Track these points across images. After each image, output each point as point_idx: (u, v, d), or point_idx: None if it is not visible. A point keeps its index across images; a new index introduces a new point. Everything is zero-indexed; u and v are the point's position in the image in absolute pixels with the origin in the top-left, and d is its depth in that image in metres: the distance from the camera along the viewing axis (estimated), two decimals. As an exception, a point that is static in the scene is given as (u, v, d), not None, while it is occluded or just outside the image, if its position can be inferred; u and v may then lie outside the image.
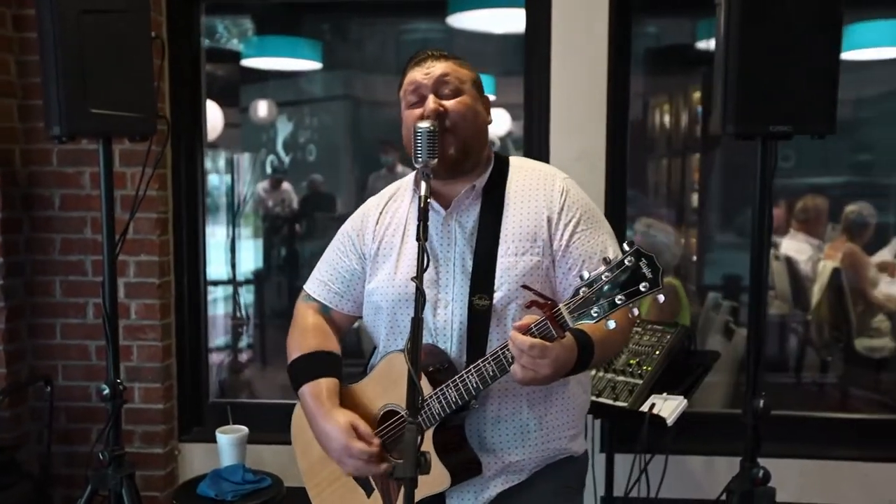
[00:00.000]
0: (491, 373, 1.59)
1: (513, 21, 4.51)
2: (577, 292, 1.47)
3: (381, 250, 1.85)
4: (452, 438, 1.73)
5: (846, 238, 5.12)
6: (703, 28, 4.46)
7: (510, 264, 1.72)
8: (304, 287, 1.97)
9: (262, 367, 4.64)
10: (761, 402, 2.05)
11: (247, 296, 5.08)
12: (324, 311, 1.92)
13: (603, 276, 1.44)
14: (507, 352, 1.56)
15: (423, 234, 1.58)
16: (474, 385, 1.61)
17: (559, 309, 1.48)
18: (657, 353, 2.24)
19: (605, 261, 1.45)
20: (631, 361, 2.29)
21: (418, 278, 1.54)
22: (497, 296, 1.71)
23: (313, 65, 4.89)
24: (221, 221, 5.13)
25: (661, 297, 1.42)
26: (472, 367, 1.62)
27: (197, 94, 2.73)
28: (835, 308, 4.80)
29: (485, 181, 1.79)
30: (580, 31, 2.53)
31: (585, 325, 1.49)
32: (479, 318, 1.72)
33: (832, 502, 2.55)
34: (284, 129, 6.38)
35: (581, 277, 1.47)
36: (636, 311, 1.44)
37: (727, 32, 1.94)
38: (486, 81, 6.57)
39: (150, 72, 2.19)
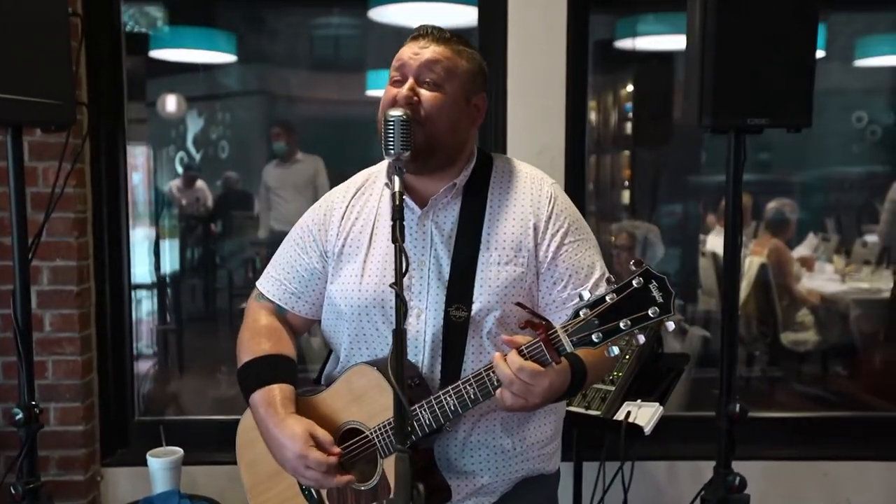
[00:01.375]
0: (472, 396, 1.44)
1: (437, 16, 4.44)
2: (576, 314, 1.33)
3: (346, 249, 1.67)
4: (420, 462, 1.57)
5: (770, 234, 5.22)
6: (622, 27, 4.46)
7: (491, 274, 1.57)
8: (258, 284, 1.77)
9: (180, 376, 4.36)
10: (737, 406, 1.99)
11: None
12: (278, 311, 1.73)
13: (607, 298, 1.30)
14: (491, 374, 1.42)
15: (399, 235, 1.42)
16: (451, 408, 1.46)
17: (556, 331, 1.34)
18: (626, 357, 2.14)
19: (609, 280, 1.32)
20: (600, 367, 2.18)
21: (397, 284, 1.37)
22: (475, 307, 1.56)
23: (228, 57, 4.63)
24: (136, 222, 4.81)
25: (671, 325, 1.29)
26: (450, 388, 1.47)
27: (118, 81, 2.47)
28: (762, 303, 4.88)
29: (466, 179, 1.63)
30: (537, 21, 2.41)
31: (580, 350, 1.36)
32: (455, 331, 1.56)
33: (792, 502, 2.52)
34: (195, 124, 6.10)
35: (580, 297, 1.34)
36: (641, 339, 1.31)
37: (704, 23, 1.88)
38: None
39: (68, 53, 1.94)
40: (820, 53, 4.14)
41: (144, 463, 2.48)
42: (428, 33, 1.61)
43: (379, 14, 4.27)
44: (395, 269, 1.38)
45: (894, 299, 4.62)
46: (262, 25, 4.91)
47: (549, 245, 1.59)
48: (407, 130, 1.48)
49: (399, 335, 1.33)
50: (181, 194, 5.44)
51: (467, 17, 4.60)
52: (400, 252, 1.39)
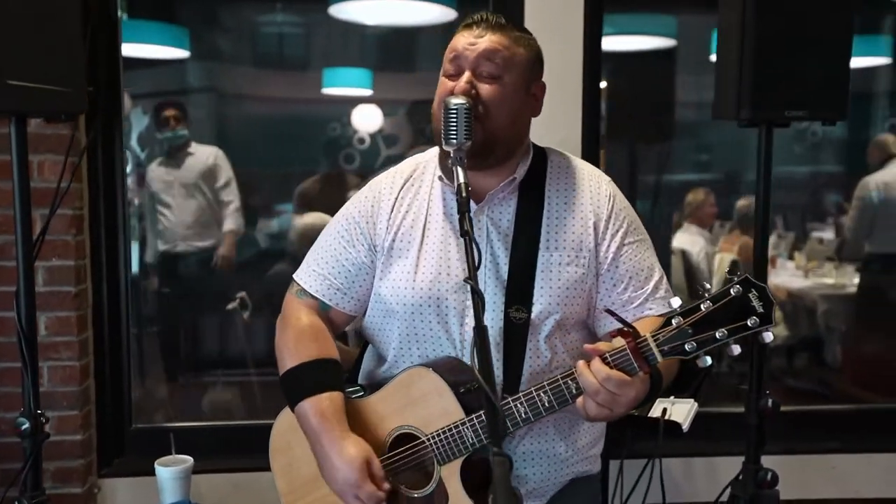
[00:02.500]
0: (546, 404, 1.39)
1: (400, 13, 4.37)
2: (668, 322, 1.29)
3: (396, 243, 1.59)
4: (479, 469, 1.52)
5: (740, 231, 5.30)
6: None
7: (552, 275, 1.53)
8: (296, 279, 1.68)
9: (141, 381, 4.19)
10: (769, 402, 1.98)
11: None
12: (322, 309, 1.65)
13: (702, 306, 1.27)
14: (569, 382, 1.37)
15: (469, 227, 1.36)
16: (522, 415, 1.41)
17: (645, 339, 1.30)
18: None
19: (702, 287, 1.29)
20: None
21: (472, 279, 1.31)
22: (536, 309, 1.51)
23: (180, 53, 4.44)
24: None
25: (770, 336, 1.26)
26: (521, 394, 1.42)
27: (115, 67, 2.33)
28: (734, 299, 4.93)
29: (524, 174, 1.57)
30: (555, 15, 2.37)
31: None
32: (515, 333, 1.51)
33: (805, 496, 2.53)
34: (140, 122, 5.90)
35: (669, 304, 1.31)
36: (736, 350, 1.27)
37: (743, 17, 1.85)
38: (364, 76, 6.41)
39: (79, 36, 1.82)
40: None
41: (144, 473, 2.35)
42: (483, 20, 1.55)
43: (339, 11, 4.20)
44: (468, 264, 1.33)
45: (860, 294, 4.73)
46: (215, 21, 4.77)
47: (609, 245, 1.56)
48: (469, 118, 1.43)
49: (481, 332, 1.27)
50: (133, 194, 5.24)
51: (431, 13, 4.60)
52: (471, 244, 1.34)
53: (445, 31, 5.92)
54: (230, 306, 3.09)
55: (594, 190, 1.59)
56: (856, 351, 4.48)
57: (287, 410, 1.65)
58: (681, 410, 1.96)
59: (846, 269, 5.09)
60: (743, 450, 2.08)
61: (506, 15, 1.59)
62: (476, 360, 1.24)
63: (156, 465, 2.11)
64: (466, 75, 1.50)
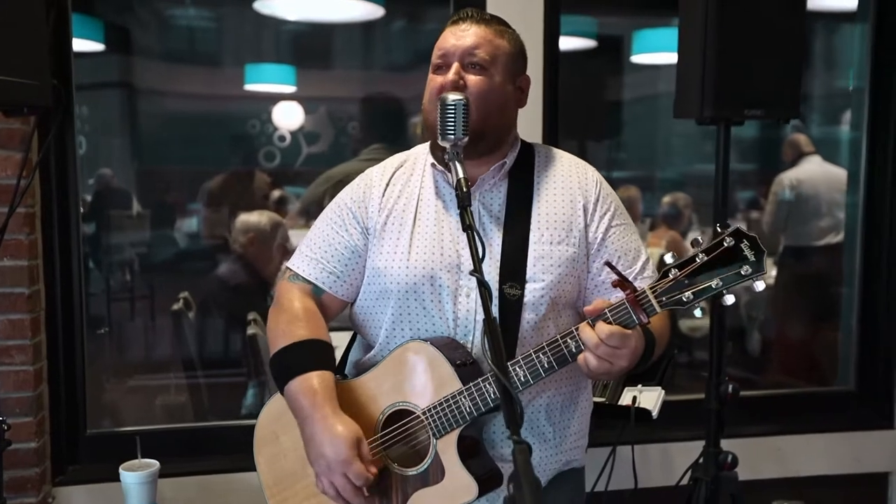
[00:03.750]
0: (546, 365, 1.44)
1: (325, 9, 4.36)
2: (665, 274, 1.36)
3: (388, 224, 1.63)
4: (472, 445, 1.56)
5: (666, 226, 5.50)
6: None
7: (544, 252, 1.58)
8: (289, 265, 1.70)
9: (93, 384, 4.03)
10: (730, 387, 2.07)
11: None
12: (315, 293, 1.66)
13: (697, 258, 1.33)
14: (568, 340, 1.42)
15: (471, 221, 1.38)
16: (521, 379, 1.45)
17: (644, 291, 1.37)
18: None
19: (695, 242, 1.36)
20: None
21: (477, 271, 1.33)
22: (530, 286, 1.56)
23: (94, 46, 4.29)
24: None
25: (762, 285, 1.34)
26: (519, 358, 1.45)
27: (66, 59, 2.24)
28: (662, 292, 5.11)
29: (513, 160, 1.63)
30: (516, 14, 2.40)
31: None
32: (510, 309, 1.55)
33: (754, 477, 2.65)
34: None
35: (663, 260, 1.37)
36: (731, 299, 1.35)
37: (705, 20, 1.94)
38: (286, 72, 6.29)
39: (43, 26, 1.75)
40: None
41: (100, 479, 2.29)
42: (468, 17, 1.61)
43: (264, 6, 4.17)
44: (473, 257, 1.35)
45: (778, 285, 4.97)
46: (131, 13, 4.63)
47: (598, 226, 1.62)
48: (467, 115, 1.46)
49: (491, 323, 1.29)
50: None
51: (357, 10, 4.58)
52: (474, 236, 1.36)
53: (373, 29, 5.92)
54: (174, 307, 3.00)
55: (581, 175, 1.66)
56: (778, 339, 4.71)
57: (272, 401, 1.66)
58: (649, 398, 2.03)
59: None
60: (695, 435, 2.19)
61: (491, 14, 1.64)
62: (488, 349, 1.27)
63: (121, 471, 2.04)
64: (455, 67, 1.56)
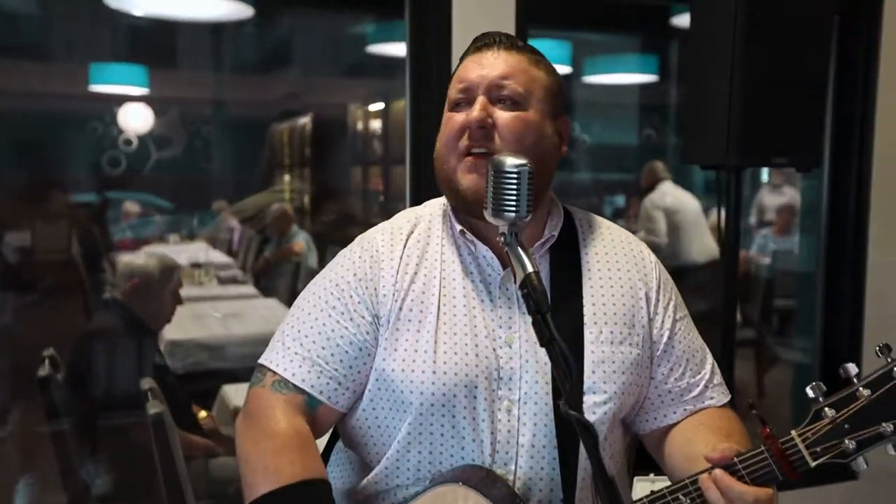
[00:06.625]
0: None
1: (183, 7, 3.98)
2: (818, 416, 1.06)
3: (405, 312, 1.23)
4: None
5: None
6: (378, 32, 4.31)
7: (605, 355, 1.23)
8: (269, 364, 1.25)
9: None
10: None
11: None
12: (309, 406, 1.23)
13: (857, 393, 1.05)
14: (681, 497, 1.10)
15: (551, 332, 1.02)
16: None
17: (792, 438, 1.06)
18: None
19: (845, 371, 1.06)
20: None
21: (572, 406, 0.98)
22: (589, 400, 1.22)
23: None
24: None
25: None
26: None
27: None
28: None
29: (558, 232, 1.28)
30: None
31: None
32: (568, 430, 1.20)
33: None
34: None
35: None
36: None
37: (733, 62, 1.74)
38: (137, 72, 5.80)
39: None
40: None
41: None
42: (496, 42, 1.24)
43: (116, 0, 3.80)
44: (559, 383, 1.00)
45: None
46: None
47: (663, 321, 1.29)
48: (531, 184, 1.08)
49: (602, 474, 0.94)
50: None
51: (223, 9, 4.17)
52: (562, 358, 1.00)
53: (230, 29, 5.44)
54: (41, 373, 2.39)
55: (637, 255, 1.33)
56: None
57: None
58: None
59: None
60: None
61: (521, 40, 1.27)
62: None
63: None
64: (480, 100, 1.19)
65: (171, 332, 3.33)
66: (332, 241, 5.86)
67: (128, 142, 6.36)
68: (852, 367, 1.06)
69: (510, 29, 2.10)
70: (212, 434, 2.73)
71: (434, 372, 1.19)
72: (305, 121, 6.56)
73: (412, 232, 1.29)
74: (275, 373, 1.23)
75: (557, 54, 4.45)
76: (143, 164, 6.61)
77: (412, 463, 1.22)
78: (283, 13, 5.48)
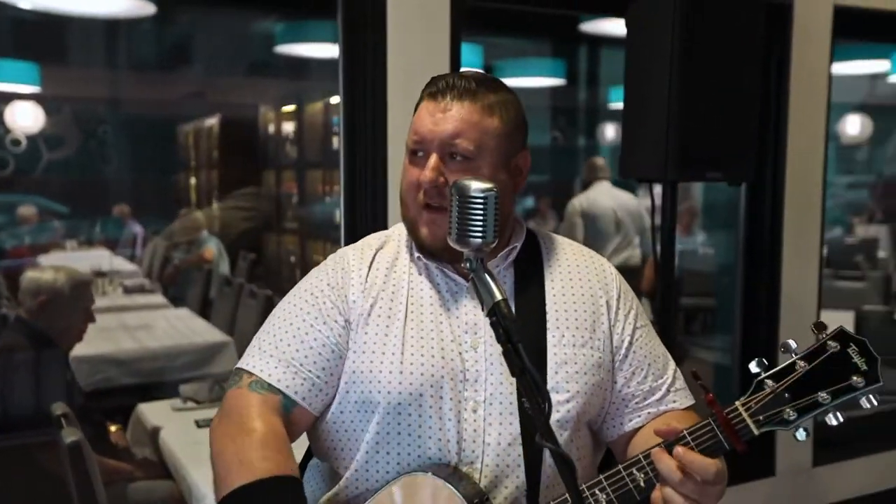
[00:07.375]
0: None
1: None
2: (759, 386, 1.11)
3: (374, 316, 1.26)
4: None
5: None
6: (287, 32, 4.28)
7: (566, 357, 1.26)
8: (246, 368, 1.26)
9: None
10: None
11: None
12: (285, 408, 1.23)
13: (796, 366, 1.09)
14: (635, 472, 1.13)
15: (524, 365, 1.01)
16: None
17: (736, 408, 1.11)
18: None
19: (785, 346, 1.12)
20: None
21: (548, 439, 0.97)
22: (555, 398, 1.24)
23: None
24: None
25: (874, 401, 1.11)
26: (572, 494, 1.11)
27: None
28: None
29: (520, 246, 1.31)
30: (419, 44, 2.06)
31: None
32: (532, 430, 1.22)
33: None
34: None
35: (758, 364, 1.13)
36: (839, 418, 1.11)
37: (670, 79, 1.78)
38: (30, 71, 5.57)
39: None
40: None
41: None
42: (448, 88, 1.24)
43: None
44: (535, 415, 0.99)
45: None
46: None
47: (623, 327, 1.33)
48: (498, 209, 1.08)
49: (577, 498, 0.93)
50: None
51: (122, 4, 4.03)
52: (535, 384, 1.00)
53: (129, 26, 5.24)
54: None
55: (598, 267, 1.37)
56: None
57: None
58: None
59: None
60: None
61: (478, 78, 1.26)
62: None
63: None
64: (433, 160, 1.22)
65: (77, 348, 3.16)
66: (242, 246, 5.71)
67: (16, 142, 6.04)
68: (792, 343, 1.11)
69: (445, 23, 2.10)
70: (125, 453, 2.61)
71: (401, 372, 1.21)
72: (213, 122, 6.36)
73: (381, 248, 1.33)
74: (252, 374, 1.23)
75: (469, 58, 4.50)
76: (33, 165, 6.30)
77: (381, 465, 1.23)
78: (183, 10, 5.32)
